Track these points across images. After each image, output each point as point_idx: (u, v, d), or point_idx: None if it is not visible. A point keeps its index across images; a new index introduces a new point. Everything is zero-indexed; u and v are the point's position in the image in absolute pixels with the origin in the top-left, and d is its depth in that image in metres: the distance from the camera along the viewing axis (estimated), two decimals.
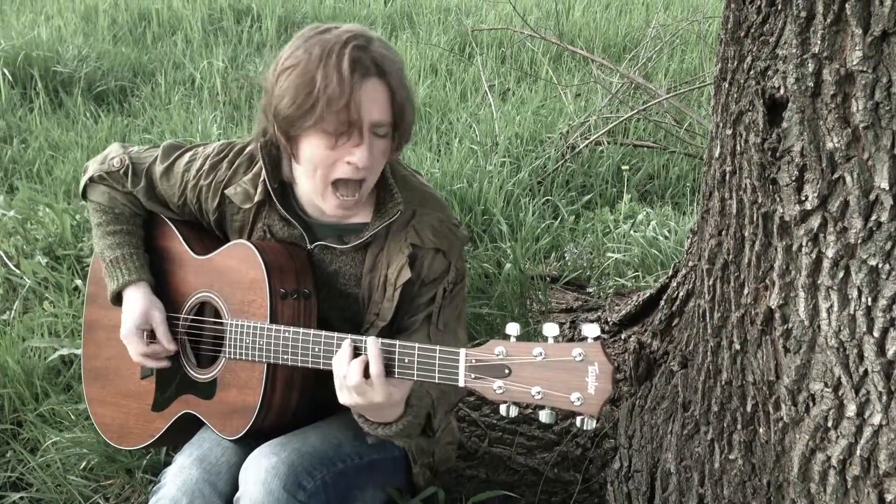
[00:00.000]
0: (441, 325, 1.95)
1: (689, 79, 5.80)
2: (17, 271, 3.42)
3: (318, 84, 1.71)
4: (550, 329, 1.48)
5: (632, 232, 3.81)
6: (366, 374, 1.63)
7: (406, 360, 1.62)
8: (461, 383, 1.54)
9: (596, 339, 1.44)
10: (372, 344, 1.63)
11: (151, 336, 2.05)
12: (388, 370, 1.63)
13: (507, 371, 1.50)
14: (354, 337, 1.68)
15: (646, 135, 5.09)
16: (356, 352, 1.66)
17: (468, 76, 5.98)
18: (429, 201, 2.00)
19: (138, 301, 2.06)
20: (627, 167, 4.54)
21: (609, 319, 2.82)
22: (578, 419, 1.46)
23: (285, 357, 1.79)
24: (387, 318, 1.95)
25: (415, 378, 1.61)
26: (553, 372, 1.46)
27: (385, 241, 1.95)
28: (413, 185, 2.01)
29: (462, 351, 1.55)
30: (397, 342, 1.63)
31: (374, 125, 1.78)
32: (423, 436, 1.90)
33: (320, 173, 1.83)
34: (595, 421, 1.46)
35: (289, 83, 1.76)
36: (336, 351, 1.71)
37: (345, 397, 1.67)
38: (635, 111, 4.84)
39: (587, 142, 4.70)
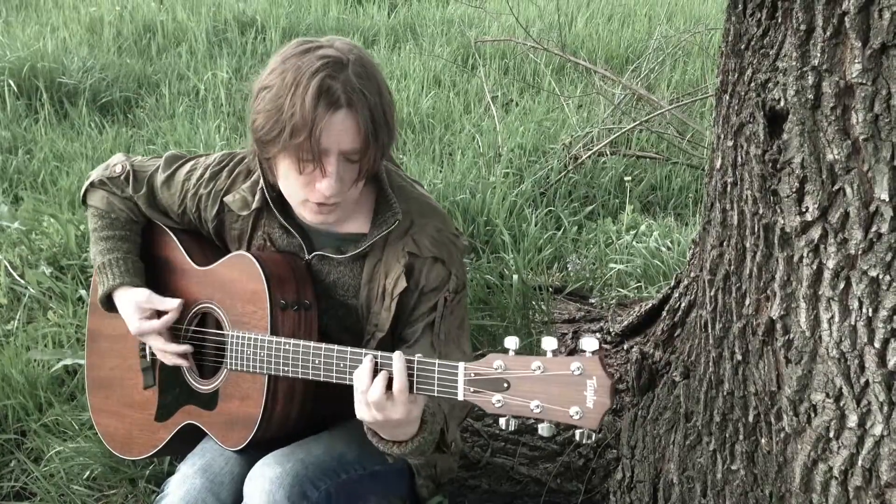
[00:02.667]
0: (443, 335, 1.95)
1: (692, 90, 5.81)
2: (22, 281, 3.44)
3: (285, 112, 1.71)
4: (549, 343, 1.48)
5: (634, 243, 3.82)
6: (387, 388, 1.61)
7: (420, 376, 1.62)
8: (460, 397, 1.55)
9: (594, 352, 1.44)
10: (397, 359, 1.61)
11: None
12: (409, 386, 1.61)
13: (505, 385, 1.50)
14: (376, 353, 1.66)
15: (648, 146, 5.10)
16: (377, 367, 1.64)
17: (471, 87, 6.00)
18: (427, 211, 2.00)
19: (128, 300, 2.07)
20: (630, 178, 4.55)
21: (611, 330, 2.83)
22: (578, 432, 1.46)
23: (286, 369, 1.80)
24: (385, 329, 1.95)
25: (434, 393, 1.60)
26: (552, 386, 1.46)
27: (383, 252, 1.96)
28: (412, 196, 2.01)
29: (461, 365, 1.55)
30: (416, 357, 1.62)
31: (344, 153, 1.77)
32: (438, 452, 1.88)
33: (294, 194, 1.86)
34: (595, 434, 1.46)
35: (262, 105, 1.77)
36: (336, 363, 1.72)
37: (363, 413, 1.65)
38: (637, 122, 4.86)
39: (590, 153, 4.71)
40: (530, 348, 2.89)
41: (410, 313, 1.96)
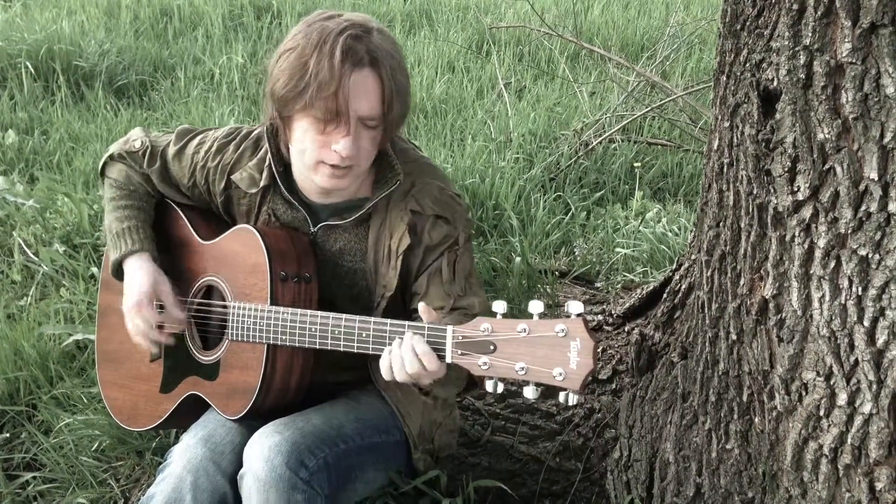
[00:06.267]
0: (457, 287, 1.96)
1: (706, 78, 5.78)
2: (36, 259, 3.49)
3: (311, 69, 1.76)
4: (535, 306, 1.51)
5: (641, 228, 3.83)
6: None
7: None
8: (448, 359, 1.59)
9: (578, 315, 1.47)
10: (419, 341, 1.66)
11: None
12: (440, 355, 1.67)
13: (492, 347, 1.53)
14: (412, 324, 1.70)
15: (660, 133, 5.09)
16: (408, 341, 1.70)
17: (485, 74, 6.00)
18: (428, 172, 2.03)
19: (144, 271, 2.09)
20: (640, 165, 4.55)
21: (613, 312, 2.85)
22: (562, 395, 1.48)
23: (283, 338, 1.84)
24: (392, 287, 1.98)
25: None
26: (536, 348, 1.49)
27: (386, 213, 1.99)
28: (413, 157, 2.04)
29: (449, 327, 1.59)
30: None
31: (363, 117, 1.81)
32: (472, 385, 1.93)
33: (308, 155, 1.89)
34: (577, 396, 1.48)
35: (286, 65, 1.81)
36: (331, 331, 1.79)
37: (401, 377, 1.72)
38: (649, 108, 4.85)
39: (600, 139, 4.71)
40: None
41: (414, 269, 2.00)
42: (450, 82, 5.78)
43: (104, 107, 5.18)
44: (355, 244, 2.04)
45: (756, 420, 1.91)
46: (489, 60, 6.15)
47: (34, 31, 5.74)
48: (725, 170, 1.88)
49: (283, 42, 1.88)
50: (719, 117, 1.91)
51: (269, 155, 2.03)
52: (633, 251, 3.66)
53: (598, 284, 3.50)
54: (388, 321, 1.69)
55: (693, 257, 2.40)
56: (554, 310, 3.18)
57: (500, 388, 1.55)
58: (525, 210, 4.05)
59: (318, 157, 1.87)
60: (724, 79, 1.85)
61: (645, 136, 4.97)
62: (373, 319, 1.70)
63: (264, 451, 1.84)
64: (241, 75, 5.72)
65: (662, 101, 4.90)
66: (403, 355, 1.68)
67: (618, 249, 3.69)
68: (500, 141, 4.77)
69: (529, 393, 1.52)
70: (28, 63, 5.37)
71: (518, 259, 3.32)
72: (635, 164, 4.52)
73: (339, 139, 1.82)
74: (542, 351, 1.49)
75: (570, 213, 4.13)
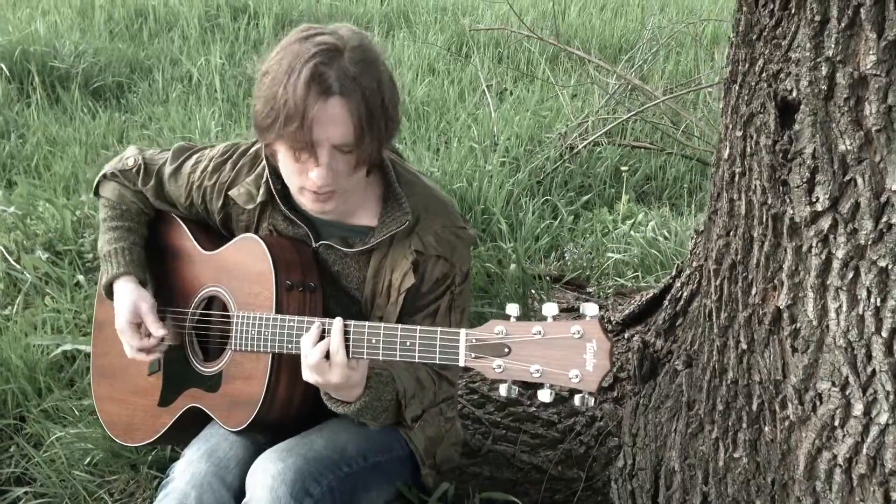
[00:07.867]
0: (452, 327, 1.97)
1: (685, 81, 5.82)
2: (18, 266, 3.42)
3: (279, 99, 1.71)
4: (550, 308, 1.50)
5: (631, 232, 3.84)
6: (328, 354, 1.69)
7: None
8: (461, 362, 1.56)
9: (594, 316, 1.45)
10: (335, 326, 1.69)
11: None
12: (349, 352, 1.68)
13: (506, 350, 1.51)
14: (323, 319, 1.73)
15: (643, 136, 5.11)
16: (323, 333, 1.72)
17: (466, 76, 5.99)
18: (433, 206, 2.00)
19: (126, 295, 2.07)
20: (626, 168, 4.56)
21: (612, 319, 2.84)
22: (577, 397, 1.47)
23: (290, 346, 1.81)
24: (392, 322, 1.95)
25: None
26: (552, 350, 1.47)
27: (389, 248, 1.97)
28: (418, 190, 2.01)
29: (462, 331, 1.57)
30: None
31: (337, 145, 1.76)
32: (397, 424, 1.96)
33: (291, 181, 1.87)
34: (594, 398, 1.47)
35: (260, 91, 1.78)
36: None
37: (307, 375, 1.73)
38: (633, 113, 4.87)
39: (585, 142, 4.72)
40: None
41: (413, 305, 1.98)
42: (431, 84, 5.76)
43: (81, 109, 5.09)
44: (354, 271, 2.02)
45: (766, 429, 1.90)
46: (469, 62, 6.13)
47: (7, 33, 5.64)
48: (737, 179, 1.87)
49: (266, 58, 1.82)
50: (730, 126, 1.90)
51: (266, 171, 2.00)
52: (624, 256, 3.66)
53: (590, 289, 3.49)
54: (400, 325, 1.66)
55: (696, 265, 2.39)
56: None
57: (515, 392, 1.53)
58: (514, 214, 4.04)
59: (298, 184, 1.84)
60: (737, 88, 1.85)
61: (628, 139, 4.98)
62: (382, 325, 1.67)
63: (267, 480, 1.81)
64: (220, 77, 5.65)
65: (645, 106, 4.91)
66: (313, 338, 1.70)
67: (608, 254, 3.69)
68: (486, 144, 4.75)
69: (544, 396, 1.50)
70: (2, 65, 5.27)
71: (514, 266, 3.30)
72: (622, 168, 4.53)
73: (312, 168, 1.78)
74: (558, 353, 1.47)
75: (558, 218, 4.13)
